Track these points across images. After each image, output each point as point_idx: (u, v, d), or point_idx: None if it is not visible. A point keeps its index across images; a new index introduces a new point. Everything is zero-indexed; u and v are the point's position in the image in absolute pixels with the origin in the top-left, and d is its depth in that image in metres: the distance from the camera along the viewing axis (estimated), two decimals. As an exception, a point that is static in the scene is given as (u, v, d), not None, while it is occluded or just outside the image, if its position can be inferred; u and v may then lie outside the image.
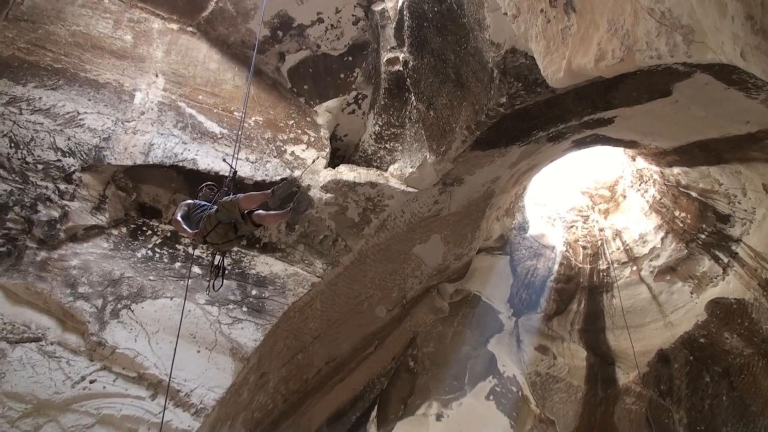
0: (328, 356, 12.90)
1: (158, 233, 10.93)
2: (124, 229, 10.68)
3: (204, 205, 8.36)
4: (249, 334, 10.48)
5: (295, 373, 12.35)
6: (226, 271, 9.04)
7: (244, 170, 11.04)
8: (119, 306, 9.99)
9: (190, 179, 10.94)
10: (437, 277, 14.10)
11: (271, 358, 11.50)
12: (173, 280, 10.50)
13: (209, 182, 9.14)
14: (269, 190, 7.72)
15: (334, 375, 13.36)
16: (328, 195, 11.28)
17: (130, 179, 10.84)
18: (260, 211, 7.95)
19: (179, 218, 8.09)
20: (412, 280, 13.54)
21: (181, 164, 10.78)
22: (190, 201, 8.47)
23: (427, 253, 13.25)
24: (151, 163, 10.65)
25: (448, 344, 15.38)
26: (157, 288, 10.36)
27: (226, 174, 10.62)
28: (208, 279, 8.42)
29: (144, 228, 10.89)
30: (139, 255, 10.58)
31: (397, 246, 12.55)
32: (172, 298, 10.25)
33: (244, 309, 10.69)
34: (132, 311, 10.02)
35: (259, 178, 11.10)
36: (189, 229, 7.97)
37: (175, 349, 8.58)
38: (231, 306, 10.62)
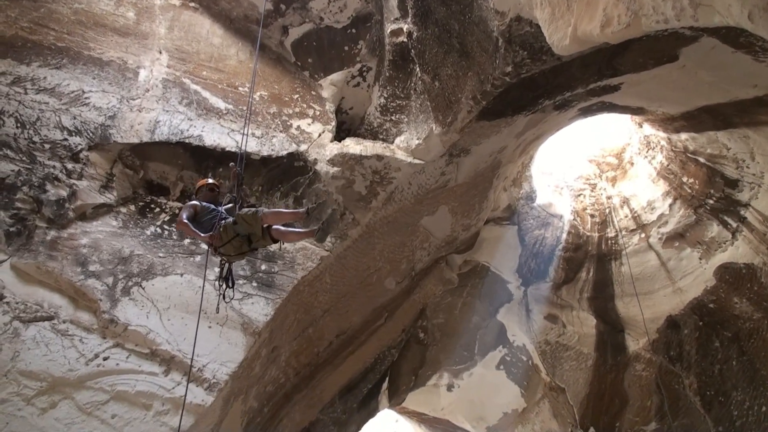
0: (338, 329, 12.93)
1: (166, 210, 10.90)
2: (132, 207, 10.67)
3: (214, 209, 8.12)
4: (260, 309, 10.52)
5: (306, 347, 12.41)
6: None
7: (250, 146, 10.97)
8: (130, 283, 9.99)
9: (197, 156, 11.02)
10: (446, 248, 14.08)
11: (282, 332, 11.53)
12: (183, 257, 10.50)
13: (210, 182, 8.75)
14: (303, 209, 7.57)
15: (344, 348, 13.40)
16: (335, 169, 11.26)
17: (137, 157, 10.83)
18: (281, 227, 7.78)
19: (186, 220, 7.80)
20: (421, 252, 13.51)
21: (187, 141, 10.74)
22: (196, 202, 8.18)
23: (435, 225, 13.19)
24: (157, 140, 10.65)
25: (457, 315, 15.34)
26: (167, 265, 10.38)
27: (234, 150, 10.78)
28: (218, 290, 8.15)
29: (152, 205, 10.86)
30: (148, 232, 10.59)
31: (405, 218, 12.48)
32: (182, 275, 10.25)
33: (254, 284, 10.72)
34: (143, 288, 10.02)
35: (265, 153, 11.14)
36: (200, 233, 7.67)
37: (197, 328, 8.28)
38: (241, 282, 10.68)
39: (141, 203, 10.83)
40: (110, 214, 10.47)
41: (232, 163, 8.26)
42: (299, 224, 9.83)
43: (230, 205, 8.23)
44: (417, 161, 11.40)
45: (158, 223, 10.81)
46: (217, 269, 9.51)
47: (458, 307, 15.37)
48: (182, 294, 10.09)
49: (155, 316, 9.85)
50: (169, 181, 11.16)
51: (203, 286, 9.03)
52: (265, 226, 7.52)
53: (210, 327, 9.94)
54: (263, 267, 10.96)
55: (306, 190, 11.44)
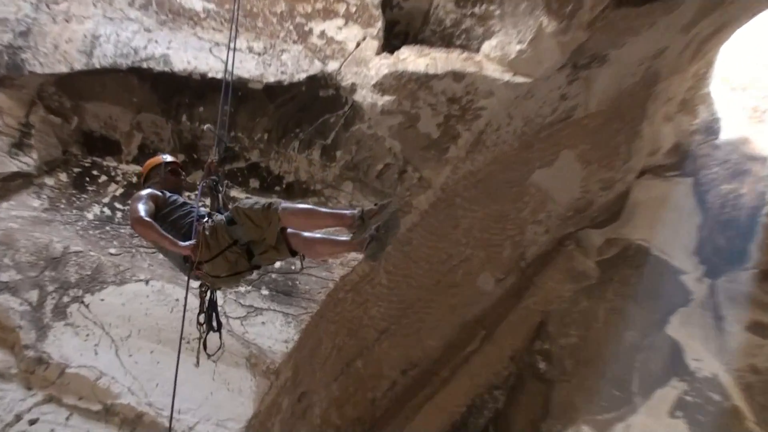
0: (405, 361, 12.70)
1: (117, 179, 10.98)
2: (63, 177, 10.83)
3: (184, 203, 7.91)
4: (276, 332, 10.43)
5: (355, 391, 12.19)
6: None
7: (247, 66, 10.86)
8: (65, 299, 10.00)
9: (161, 88, 11.01)
10: (574, 220, 13.70)
11: (312, 368, 11.35)
12: (148, 253, 10.47)
13: (170, 160, 8.55)
14: (353, 211, 7.08)
15: (417, 390, 13.18)
16: (386, 98, 10.98)
17: (67, 95, 10.89)
18: (309, 234, 7.54)
19: (147, 217, 7.36)
20: (534, 229, 13.18)
21: (145, 65, 10.70)
22: (155, 191, 7.89)
23: (555, 183, 12.76)
24: (98, 66, 10.64)
25: (599, 330, 14.60)
26: (123, 267, 10.37)
27: (216, 76, 10.67)
28: (199, 330, 7.68)
29: (94, 172, 11.00)
30: (90, 216, 10.68)
31: (505, 174, 12.10)
32: (148, 282, 10.28)
33: (265, 292, 10.70)
34: (86, 306, 10.01)
35: (271, 79, 10.96)
36: (179, 242, 7.17)
37: (177, 367, 7.47)
38: (244, 289, 10.62)
39: (76, 169, 10.99)
40: (29, 190, 10.55)
41: (208, 126, 8.02)
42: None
43: (206, 197, 8.11)
44: (520, 79, 10.90)
45: (105, 199, 10.88)
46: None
47: (600, 316, 14.68)
48: (150, 313, 10.06)
49: (109, 349, 9.76)
50: (120, 131, 11.18)
51: (186, 297, 7.86)
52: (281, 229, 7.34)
53: (198, 365, 8.89)
54: (278, 264, 10.62)
55: (340, 136, 11.34)
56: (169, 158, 8.61)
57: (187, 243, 7.14)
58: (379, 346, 12.34)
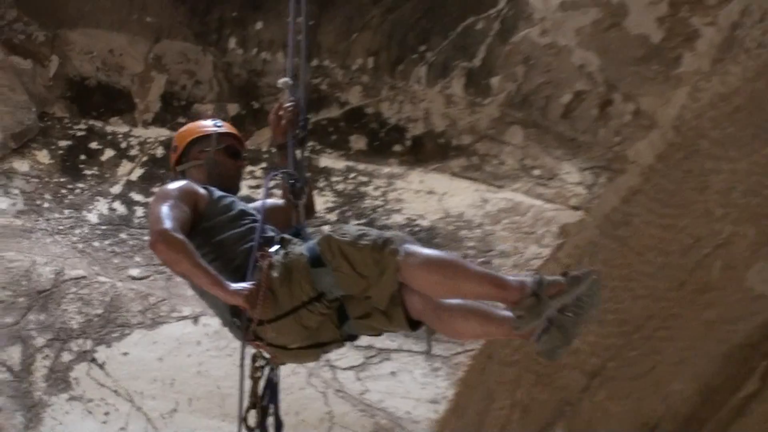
0: (635, 422, 12.11)
1: (131, 152, 11.06)
2: (44, 156, 11.15)
3: (241, 211, 6.48)
4: (415, 388, 9.95)
5: None
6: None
7: None
8: (66, 357, 9.88)
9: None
10: None
11: None
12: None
13: (224, 130, 7.10)
14: (527, 279, 5.48)
15: None
16: None
17: (39, 20, 11.30)
18: (449, 301, 5.88)
19: (179, 236, 5.90)
20: None
21: None
22: (190, 184, 6.40)
23: None
24: None
25: None
26: (153, 298, 10.13)
27: None
28: None
29: (93, 144, 11.16)
30: (92, 217, 10.70)
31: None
32: (196, 320, 9.90)
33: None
34: (101, 366, 9.77)
35: None
36: (224, 283, 5.76)
37: None
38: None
39: (64, 143, 11.10)
40: None
41: (283, 80, 6.89)
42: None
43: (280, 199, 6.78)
44: None
45: (115, 188, 10.75)
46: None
47: None
48: (205, 370, 9.76)
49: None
50: (129, 74, 11.22)
51: (241, 374, 6.48)
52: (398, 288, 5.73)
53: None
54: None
55: (495, 52, 10.71)
56: (222, 126, 6.93)
57: (239, 286, 5.64)
58: (591, 399, 11.46)
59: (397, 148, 11.43)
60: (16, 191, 10.81)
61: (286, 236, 6.17)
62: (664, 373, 12.07)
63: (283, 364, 6.32)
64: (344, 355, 9.94)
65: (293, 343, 5.97)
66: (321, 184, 10.56)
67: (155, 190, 6.93)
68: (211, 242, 6.09)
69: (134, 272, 10.39)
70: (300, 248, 5.93)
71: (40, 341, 9.94)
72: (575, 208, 11.40)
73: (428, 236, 11.03)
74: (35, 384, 9.72)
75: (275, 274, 5.82)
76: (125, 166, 11.00)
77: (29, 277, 10.19)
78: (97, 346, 9.86)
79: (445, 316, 5.93)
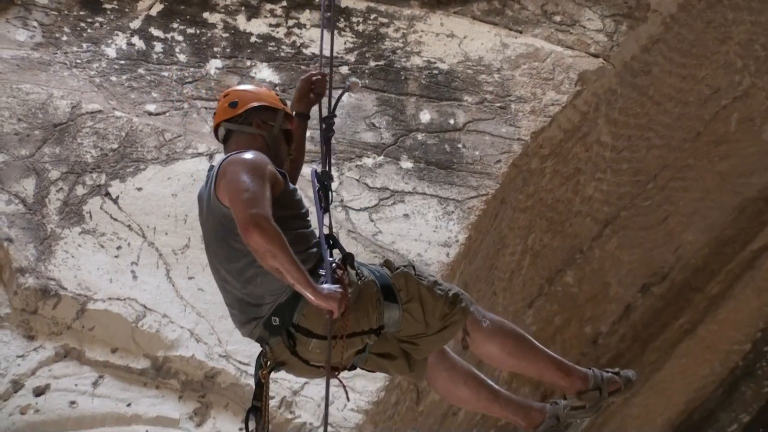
0: (645, 271, 12.94)
1: None
2: None
3: (304, 206, 6.37)
4: (428, 230, 10.17)
5: (562, 324, 12.66)
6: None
7: None
8: (80, 191, 9.85)
9: None
10: None
11: (492, 287, 11.43)
12: (210, 108, 9.96)
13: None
14: (590, 372, 6.31)
15: (667, 318, 13.51)
16: None
17: None
18: (464, 366, 6.53)
19: (276, 225, 5.57)
20: None
21: None
22: (272, 164, 6.08)
23: None
24: None
25: None
26: (169, 133, 10.19)
27: None
28: None
29: None
30: (111, 52, 10.79)
31: None
32: (212, 156, 9.88)
33: (408, 164, 10.61)
34: (114, 200, 9.81)
35: None
36: (315, 284, 5.58)
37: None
38: (372, 160, 10.58)
39: None
40: (7, 14, 10.84)
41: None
42: None
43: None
44: None
45: (135, 23, 10.90)
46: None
47: None
48: None
49: (155, 269, 9.49)
50: None
51: (327, 381, 6.43)
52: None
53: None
54: (428, 117, 11.01)
55: None
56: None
57: (333, 287, 5.49)
58: (602, 247, 12.26)
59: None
60: (35, 23, 10.88)
61: (349, 252, 6.09)
62: (676, 224, 13.12)
63: (279, 370, 6.35)
64: (358, 197, 10.39)
65: (317, 362, 6.03)
66: (341, 24, 10.58)
67: (236, 156, 5.78)
68: (304, 241, 6.04)
69: (151, 107, 10.56)
70: (369, 273, 6.07)
71: (54, 174, 9.97)
72: (595, 55, 11.56)
73: (446, 79, 11.32)
74: (48, 217, 9.76)
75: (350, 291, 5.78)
76: (145, 1, 11.15)
77: (45, 110, 10.30)
78: (111, 180, 10.00)
79: (458, 379, 6.63)
